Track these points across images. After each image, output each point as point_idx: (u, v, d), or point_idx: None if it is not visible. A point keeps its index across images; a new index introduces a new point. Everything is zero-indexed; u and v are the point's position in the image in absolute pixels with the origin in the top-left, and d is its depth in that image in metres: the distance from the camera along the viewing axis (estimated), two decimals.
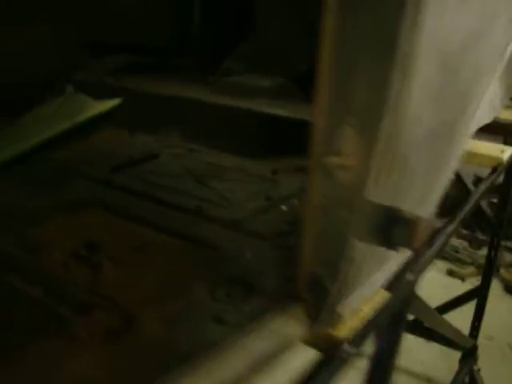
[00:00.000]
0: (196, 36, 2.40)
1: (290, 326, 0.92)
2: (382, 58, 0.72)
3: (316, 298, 0.92)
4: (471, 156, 1.75)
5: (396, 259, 1.14)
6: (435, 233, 1.35)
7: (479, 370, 2.71)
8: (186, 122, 1.79)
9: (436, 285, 3.55)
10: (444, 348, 2.52)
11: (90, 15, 2.14)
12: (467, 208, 1.56)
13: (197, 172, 1.55)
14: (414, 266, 1.19)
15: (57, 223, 1.22)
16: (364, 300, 1.06)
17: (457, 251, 4.21)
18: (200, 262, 1.08)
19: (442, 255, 3.89)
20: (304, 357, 0.90)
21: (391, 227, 0.80)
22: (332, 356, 0.91)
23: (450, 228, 1.40)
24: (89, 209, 1.31)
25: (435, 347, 2.63)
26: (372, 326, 1.03)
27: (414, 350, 2.82)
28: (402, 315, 1.22)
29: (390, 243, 0.81)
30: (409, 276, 1.17)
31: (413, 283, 1.19)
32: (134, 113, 1.91)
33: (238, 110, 1.73)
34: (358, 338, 0.98)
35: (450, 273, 3.98)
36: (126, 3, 2.23)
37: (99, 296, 0.94)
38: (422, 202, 1.11)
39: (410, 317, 1.73)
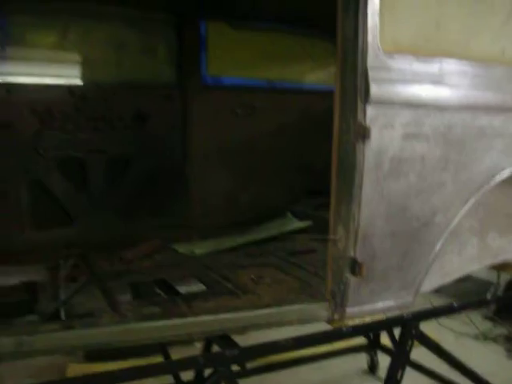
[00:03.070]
0: None
1: (317, 308, 2.12)
2: (346, 199, 1.99)
3: (333, 299, 2.11)
4: None
5: (396, 301, 2.22)
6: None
7: None
8: None
9: None
10: None
11: (306, 169, 3.71)
12: None
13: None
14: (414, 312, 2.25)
15: (248, 272, 2.62)
16: (370, 315, 2.19)
17: None
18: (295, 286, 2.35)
19: None
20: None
21: (354, 264, 1.99)
22: (333, 330, 2.07)
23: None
24: (267, 267, 2.70)
25: None
26: (369, 329, 2.14)
27: None
28: (404, 341, 2.25)
29: (354, 272, 1.99)
30: (407, 316, 2.23)
31: (408, 320, 2.22)
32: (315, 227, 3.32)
33: None
34: (358, 330, 2.12)
35: None
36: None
37: (250, 288, 2.29)
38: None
39: None
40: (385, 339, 3.33)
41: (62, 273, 2.47)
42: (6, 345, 1.72)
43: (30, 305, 2.10)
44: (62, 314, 2.00)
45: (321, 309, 2.12)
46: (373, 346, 3.68)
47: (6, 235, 3.01)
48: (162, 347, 3.18)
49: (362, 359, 4.09)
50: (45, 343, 1.80)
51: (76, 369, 3.60)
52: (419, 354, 2.72)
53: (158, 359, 3.35)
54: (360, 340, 3.67)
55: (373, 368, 4.12)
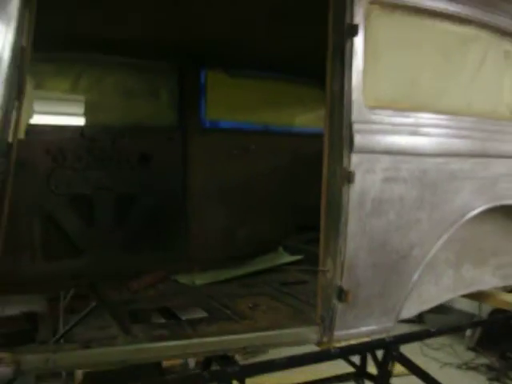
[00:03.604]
0: None
1: (308, 332, 2.37)
2: (334, 234, 2.27)
3: (322, 323, 2.36)
4: None
5: (378, 326, 2.48)
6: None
7: None
8: None
9: None
10: None
11: (297, 206, 4.00)
12: None
13: None
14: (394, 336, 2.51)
15: (245, 301, 2.87)
16: (355, 338, 2.44)
17: None
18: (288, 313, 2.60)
19: None
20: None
21: (341, 292, 2.25)
22: (322, 351, 2.32)
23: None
24: (263, 296, 2.94)
25: None
26: (354, 351, 2.39)
27: None
28: (386, 362, 2.50)
29: (341, 299, 2.25)
30: (388, 339, 2.48)
31: (389, 343, 2.48)
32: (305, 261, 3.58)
33: None
34: (344, 352, 2.37)
35: None
36: None
37: (247, 315, 2.54)
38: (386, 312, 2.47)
39: None
40: (371, 368, 3.56)
41: (62, 303, 2.58)
42: (33, 361, 1.95)
43: (31, 334, 2.27)
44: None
45: (311, 332, 2.37)
46: (360, 374, 3.90)
47: (18, 265, 3.25)
48: (159, 372, 3.40)
49: None
50: (66, 361, 2.03)
51: None
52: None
53: None
54: (349, 368, 3.89)
55: None
